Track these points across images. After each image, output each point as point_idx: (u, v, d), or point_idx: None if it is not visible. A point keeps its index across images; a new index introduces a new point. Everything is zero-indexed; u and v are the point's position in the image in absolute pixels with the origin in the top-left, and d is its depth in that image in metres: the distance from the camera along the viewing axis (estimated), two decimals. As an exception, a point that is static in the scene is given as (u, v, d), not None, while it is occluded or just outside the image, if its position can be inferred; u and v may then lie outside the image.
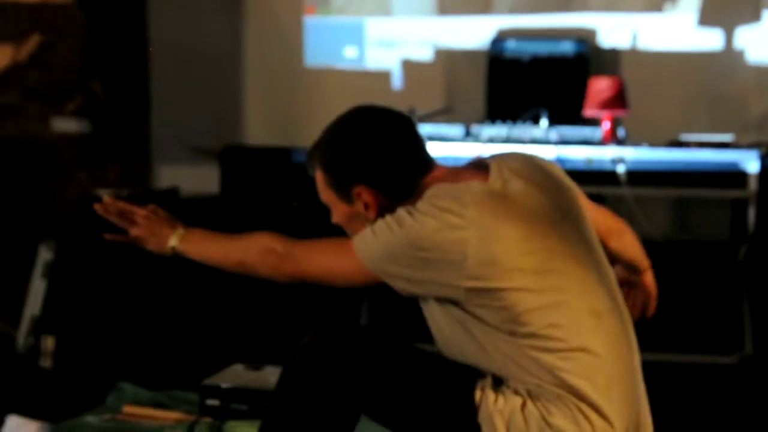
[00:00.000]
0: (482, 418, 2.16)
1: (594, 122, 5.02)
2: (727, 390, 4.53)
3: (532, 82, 5.59)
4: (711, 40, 5.70)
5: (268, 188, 5.31)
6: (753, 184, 4.73)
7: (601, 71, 5.43)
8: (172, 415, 2.90)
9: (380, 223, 2.18)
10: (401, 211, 2.17)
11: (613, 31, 5.74)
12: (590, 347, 2.15)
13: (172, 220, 2.47)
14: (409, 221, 2.13)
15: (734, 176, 4.74)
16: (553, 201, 2.22)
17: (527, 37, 5.67)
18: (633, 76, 5.39)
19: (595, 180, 4.71)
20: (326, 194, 2.31)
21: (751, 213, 4.75)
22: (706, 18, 5.72)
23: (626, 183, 4.70)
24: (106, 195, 2.50)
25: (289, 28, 6.14)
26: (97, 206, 2.46)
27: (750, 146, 4.91)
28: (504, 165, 2.23)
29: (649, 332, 4.83)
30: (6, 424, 3.12)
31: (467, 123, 5.05)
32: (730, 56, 5.68)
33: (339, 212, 2.31)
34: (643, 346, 2.35)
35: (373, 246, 2.17)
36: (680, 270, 4.84)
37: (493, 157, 2.28)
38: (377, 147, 2.24)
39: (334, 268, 2.25)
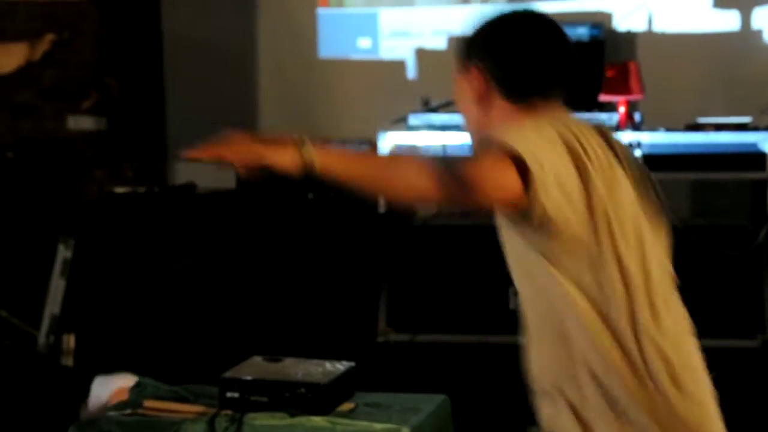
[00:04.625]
0: None
1: (610, 107, 4.99)
2: (749, 373, 4.50)
3: (548, 68, 5.56)
4: (727, 21, 5.65)
5: (285, 181, 5.30)
6: (772, 166, 4.70)
7: (616, 55, 5.39)
8: (193, 409, 2.90)
9: (520, 130, 2.01)
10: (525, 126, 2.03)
11: (629, 14, 5.70)
12: None
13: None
14: (549, 126, 2.01)
15: (753, 158, 4.71)
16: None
17: (542, 24, 5.64)
18: (649, 60, 5.35)
19: (612, 165, 4.69)
20: (457, 66, 2.20)
21: (771, 195, 4.72)
22: (722, -1, 5.69)
23: (644, 167, 4.67)
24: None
25: (302, 20, 6.13)
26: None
27: (768, 128, 4.88)
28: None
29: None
30: (93, 383, 3.23)
31: (483, 111, 5.02)
32: (746, 37, 5.64)
33: (457, 88, 2.19)
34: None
35: (530, 141, 1.96)
36: (700, 254, 4.81)
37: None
38: (516, 35, 2.15)
39: (494, 179, 1.95)
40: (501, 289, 4.64)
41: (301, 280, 4.75)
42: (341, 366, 2.95)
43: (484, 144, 2.05)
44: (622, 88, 4.82)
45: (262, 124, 6.17)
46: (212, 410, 2.85)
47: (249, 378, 2.86)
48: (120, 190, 5.26)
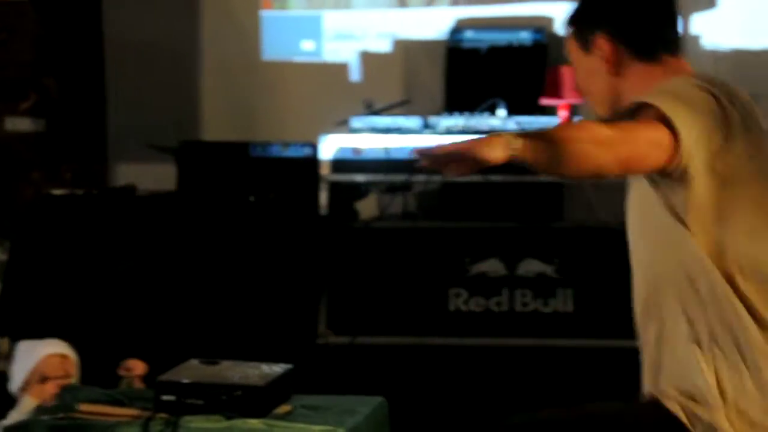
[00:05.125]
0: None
1: (551, 111, 5.02)
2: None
3: (491, 71, 5.59)
4: (667, 26, 5.71)
5: (226, 184, 5.28)
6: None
7: (559, 60, 5.42)
8: (128, 412, 2.87)
9: (668, 91, 2.07)
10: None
11: (570, 19, 5.74)
12: None
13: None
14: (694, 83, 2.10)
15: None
16: None
17: (485, 27, 5.66)
18: (590, 64, 5.39)
19: (553, 168, 4.71)
20: (570, 48, 2.29)
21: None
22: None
23: (584, 171, 4.70)
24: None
25: (245, 21, 6.11)
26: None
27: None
28: None
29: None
30: (18, 350, 3.34)
31: (425, 114, 5.04)
32: (685, 42, 5.70)
33: (580, 69, 2.29)
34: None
35: (681, 107, 2.04)
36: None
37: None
38: None
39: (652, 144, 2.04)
40: (440, 291, 4.66)
41: (241, 282, 4.74)
42: (279, 368, 2.94)
43: (630, 110, 2.09)
44: (562, 91, 4.86)
45: (205, 127, 6.13)
46: (147, 413, 2.82)
47: (185, 381, 2.83)
48: (58, 192, 5.19)
